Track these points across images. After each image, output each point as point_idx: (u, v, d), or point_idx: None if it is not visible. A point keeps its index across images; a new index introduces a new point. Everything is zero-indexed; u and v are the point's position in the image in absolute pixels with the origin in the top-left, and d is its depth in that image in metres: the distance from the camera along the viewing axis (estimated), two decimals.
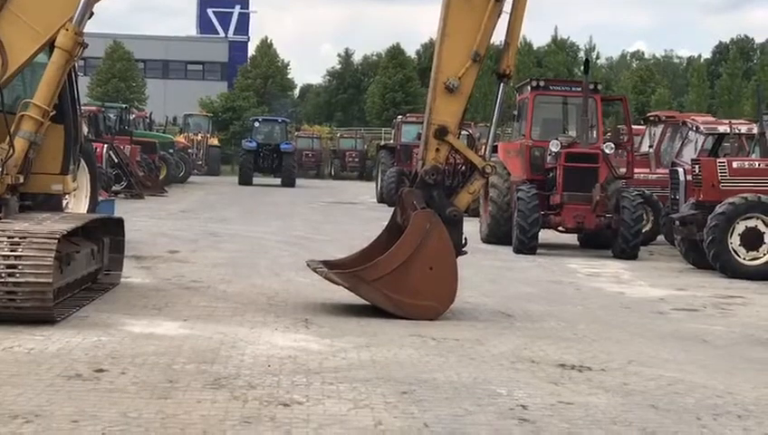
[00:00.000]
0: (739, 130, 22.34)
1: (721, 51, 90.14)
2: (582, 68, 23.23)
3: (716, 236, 17.37)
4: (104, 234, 12.61)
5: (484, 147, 12.87)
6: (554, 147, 21.05)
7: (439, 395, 7.76)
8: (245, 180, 49.91)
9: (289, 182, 49.78)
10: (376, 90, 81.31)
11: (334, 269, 11.91)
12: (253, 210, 30.65)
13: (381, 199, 37.30)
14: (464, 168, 12.17)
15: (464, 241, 11.87)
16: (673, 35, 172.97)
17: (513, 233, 20.43)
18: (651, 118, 28.07)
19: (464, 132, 13.17)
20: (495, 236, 21.78)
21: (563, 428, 6.98)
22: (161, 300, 11.99)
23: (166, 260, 16.31)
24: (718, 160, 18.78)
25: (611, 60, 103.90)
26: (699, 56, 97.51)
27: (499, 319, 11.81)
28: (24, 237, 9.77)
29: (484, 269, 16.77)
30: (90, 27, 11.73)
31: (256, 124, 53.35)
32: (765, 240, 17.51)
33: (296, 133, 65.79)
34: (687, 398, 8.07)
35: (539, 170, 21.72)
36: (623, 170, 21.65)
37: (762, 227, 17.50)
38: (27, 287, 9.63)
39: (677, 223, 18.81)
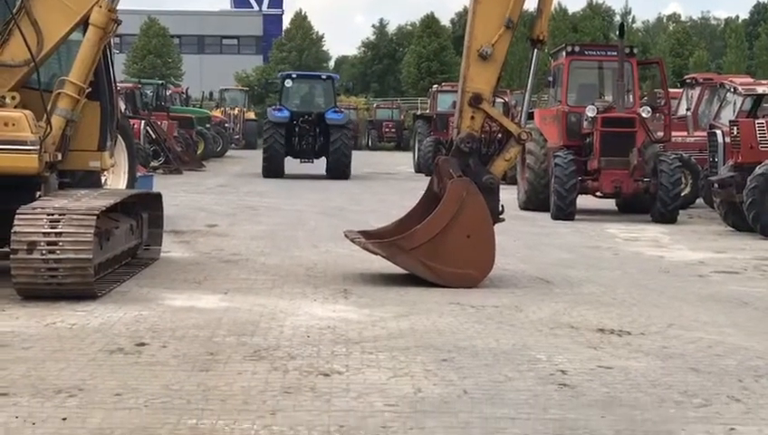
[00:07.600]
0: None
1: (759, 11, 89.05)
2: (618, 32, 23.03)
3: (756, 197, 17.24)
4: (143, 209, 12.69)
5: (519, 114, 12.84)
6: (591, 112, 20.92)
7: (479, 362, 7.77)
8: (273, 170, 32.76)
9: (339, 172, 33.17)
10: (411, 59, 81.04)
11: (372, 239, 11.96)
12: (290, 183, 30.68)
13: (419, 169, 37.25)
14: (499, 135, 12.16)
15: (501, 208, 11.88)
16: None
17: (551, 199, 20.39)
18: (688, 81, 27.86)
19: (499, 100, 13.20)
20: (533, 202, 21.76)
21: (603, 392, 6.98)
22: (201, 274, 12.07)
23: (205, 234, 16.40)
24: (757, 121, 18.63)
25: (647, 23, 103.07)
26: (737, 17, 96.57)
27: (538, 285, 11.81)
28: (64, 214, 9.85)
29: (521, 236, 16.75)
30: (124, 4, 11.83)
31: (288, 83, 35.34)
32: None
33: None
34: (728, 360, 8.04)
35: (575, 136, 21.61)
36: (660, 134, 21.51)
37: None
38: (68, 263, 9.72)
39: (716, 185, 18.69)
